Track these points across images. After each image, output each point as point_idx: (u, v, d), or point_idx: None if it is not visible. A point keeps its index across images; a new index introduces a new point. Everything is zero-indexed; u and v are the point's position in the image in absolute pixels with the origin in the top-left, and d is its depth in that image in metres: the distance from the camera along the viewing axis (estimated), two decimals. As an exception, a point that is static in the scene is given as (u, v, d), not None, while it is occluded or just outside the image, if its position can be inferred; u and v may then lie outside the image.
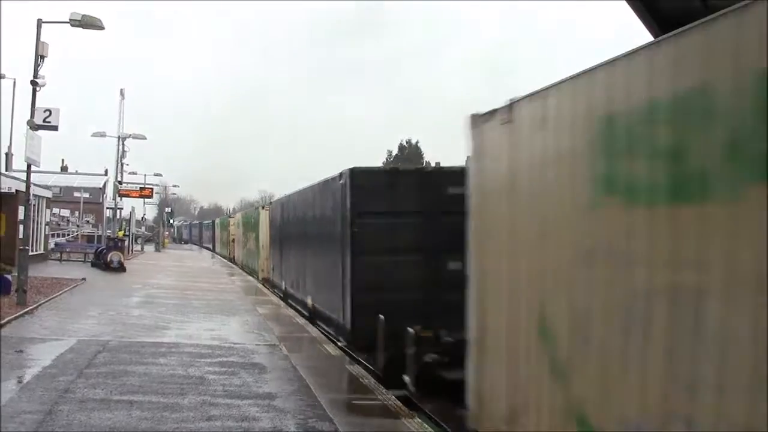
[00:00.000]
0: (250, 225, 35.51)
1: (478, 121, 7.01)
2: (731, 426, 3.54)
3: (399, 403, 9.00)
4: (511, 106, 6.32)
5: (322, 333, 14.88)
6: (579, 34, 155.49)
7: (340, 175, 12.99)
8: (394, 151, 74.40)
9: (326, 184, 14.70)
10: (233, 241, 46.64)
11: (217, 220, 66.83)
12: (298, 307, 18.52)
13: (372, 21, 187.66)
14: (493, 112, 6.65)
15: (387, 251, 11.72)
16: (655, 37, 7.25)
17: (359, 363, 11.99)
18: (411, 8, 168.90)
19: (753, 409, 3.39)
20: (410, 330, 10.28)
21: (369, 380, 10.41)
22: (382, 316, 10.98)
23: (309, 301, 16.96)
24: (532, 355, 5.75)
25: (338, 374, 11.13)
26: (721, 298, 3.67)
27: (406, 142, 75.02)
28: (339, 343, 13.32)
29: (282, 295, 21.86)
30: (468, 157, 7.43)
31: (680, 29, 4.12)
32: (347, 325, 12.53)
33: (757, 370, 3.39)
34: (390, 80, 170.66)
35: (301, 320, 17.17)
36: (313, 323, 16.15)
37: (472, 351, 6.97)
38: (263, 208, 30.76)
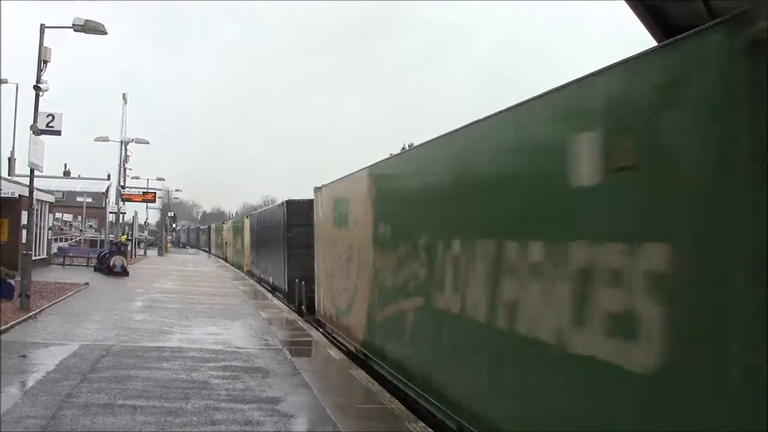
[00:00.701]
0: (237, 230, 45.42)
1: (317, 189, 16.50)
2: (353, 294, 12.81)
3: (402, 407, 8.99)
4: (322, 187, 15.93)
5: (284, 304, 22.60)
6: (582, 34, 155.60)
7: (282, 203, 23.71)
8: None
9: (276, 207, 26.08)
10: (226, 243, 55.76)
11: (213, 226, 77.14)
12: (266, 286, 28.34)
13: (376, 25, 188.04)
14: (320, 187, 16.05)
15: (306, 247, 18.33)
16: (658, 41, 7.22)
17: (292, 310, 20.28)
18: (415, 11, 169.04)
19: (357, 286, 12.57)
20: (302, 283, 19.58)
21: (374, 385, 10.40)
22: (297, 280, 20.63)
23: (270, 280, 27.17)
24: (326, 284, 15.37)
25: (342, 378, 11.12)
26: (348, 260, 13.17)
27: (408, 145, 75.08)
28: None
29: (257, 280, 31.88)
30: (314, 203, 17.14)
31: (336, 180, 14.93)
32: (286, 289, 22.61)
33: (350, 273, 12.98)
34: (392, 83, 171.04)
35: (305, 324, 17.21)
36: (273, 294, 25.56)
37: (316, 287, 16.88)
38: (246, 217, 41.09)
